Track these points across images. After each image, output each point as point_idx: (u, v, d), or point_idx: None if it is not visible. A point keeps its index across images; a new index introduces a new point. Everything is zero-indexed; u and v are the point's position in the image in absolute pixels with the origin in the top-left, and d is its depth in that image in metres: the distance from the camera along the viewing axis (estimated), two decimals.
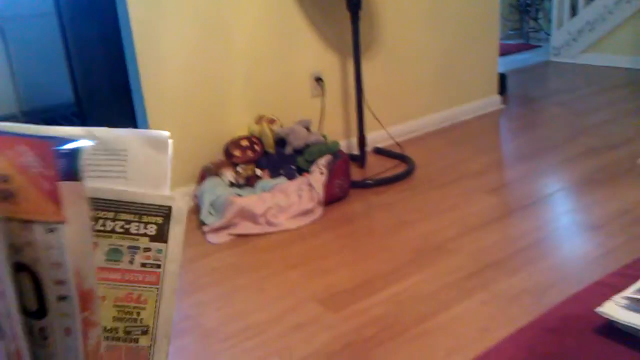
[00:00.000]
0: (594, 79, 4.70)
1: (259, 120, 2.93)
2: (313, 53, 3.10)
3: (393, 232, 2.52)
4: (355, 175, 2.98)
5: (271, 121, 2.92)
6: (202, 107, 2.80)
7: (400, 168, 3.08)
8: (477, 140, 3.52)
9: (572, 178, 2.83)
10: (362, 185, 2.94)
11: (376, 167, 3.14)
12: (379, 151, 3.35)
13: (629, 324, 0.90)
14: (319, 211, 2.70)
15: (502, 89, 4.08)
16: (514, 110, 3.99)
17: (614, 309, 0.93)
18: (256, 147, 2.84)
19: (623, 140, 3.18)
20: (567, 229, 2.40)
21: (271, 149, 2.86)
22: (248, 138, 2.85)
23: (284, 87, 3.05)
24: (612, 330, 0.94)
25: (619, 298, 0.95)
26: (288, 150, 2.86)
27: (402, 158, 3.18)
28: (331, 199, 2.76)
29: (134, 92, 2.67)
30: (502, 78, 4.09)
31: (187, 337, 1.97)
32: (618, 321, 0.91)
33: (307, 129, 2.94)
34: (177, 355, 1.89)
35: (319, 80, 3.13)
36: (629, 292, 0.96)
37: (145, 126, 2.65)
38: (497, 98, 4.00)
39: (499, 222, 2.50)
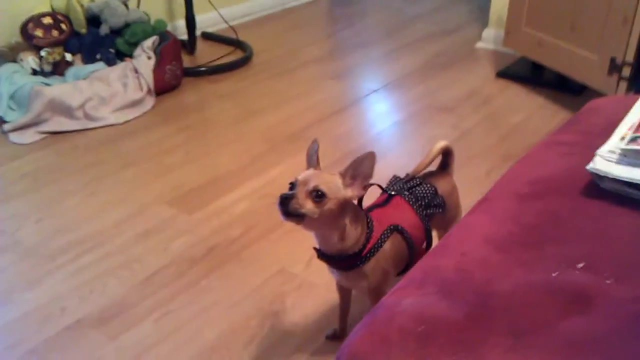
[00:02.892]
0: None
1: None
2: None
3: (240, 123, 2.23)
4: (185, 63, 2.57)
5: None
6: None
7: (237, 54, 2.74)
8: (312, 26, 3.28)
9: (415, 63, 2.73)
10: (196, 73, 2.57)
11: (207, 54, 2.76)
12: (208, 36, 2.95)
13: (629, 179, 0.75)
14: (149, 102, 2.30)
15: None
16: None
17: (607, 165, 0.77)
18: (63, 25, 2.30)
19: (456, 26, 3.15)
20: (420, 113, 2.30)
21: (82, 29, 2.34)
22: (52, 15, 2.29)
23: None
24: (598, 190, 0.79)
25: (605, 152, 0.79)
26: (104, 30, 2.36)
27: (237, 44, 2.83)
28: (162, 88, 2.36)
29: None
30: None
31: (3, 258, 1.54)
32: (618, 178, 0.76)
33: (125, 5, 2.44)
34: None
35: None
36: (613, 145, 0.80)
37: None
38: None
39: (352, 109, 2.33)
